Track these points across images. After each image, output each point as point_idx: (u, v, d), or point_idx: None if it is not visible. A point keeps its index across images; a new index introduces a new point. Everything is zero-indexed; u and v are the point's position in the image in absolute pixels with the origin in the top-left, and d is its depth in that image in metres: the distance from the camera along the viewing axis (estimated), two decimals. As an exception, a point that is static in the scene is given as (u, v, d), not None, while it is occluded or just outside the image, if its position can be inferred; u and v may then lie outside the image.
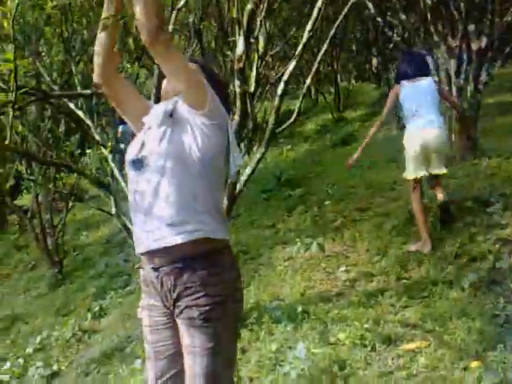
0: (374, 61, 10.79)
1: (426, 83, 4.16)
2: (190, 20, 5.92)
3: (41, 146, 5.27)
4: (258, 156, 3.88)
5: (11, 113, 2.64)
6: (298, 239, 4.86)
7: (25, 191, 8.97)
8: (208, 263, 1.66)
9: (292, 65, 3.46)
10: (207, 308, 1.63)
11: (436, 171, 4.18)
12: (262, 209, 6.51)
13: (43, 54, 4.58)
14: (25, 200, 9.49)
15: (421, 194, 4.23)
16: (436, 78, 5.19)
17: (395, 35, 6.09)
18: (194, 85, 1.68)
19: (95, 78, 1.85)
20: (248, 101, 3.54)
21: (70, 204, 6.72)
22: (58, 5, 4.04)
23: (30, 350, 4.60)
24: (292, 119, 3.98)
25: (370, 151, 7.56)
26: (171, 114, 1.77)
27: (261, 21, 3.09)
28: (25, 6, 2.60)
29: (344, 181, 6.55)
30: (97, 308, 5.05)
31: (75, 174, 4.99)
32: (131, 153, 1.79)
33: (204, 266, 1.65)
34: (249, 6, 2.98)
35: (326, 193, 6.30)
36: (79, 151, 4.82)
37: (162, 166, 1.67)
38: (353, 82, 11.91)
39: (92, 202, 7.95)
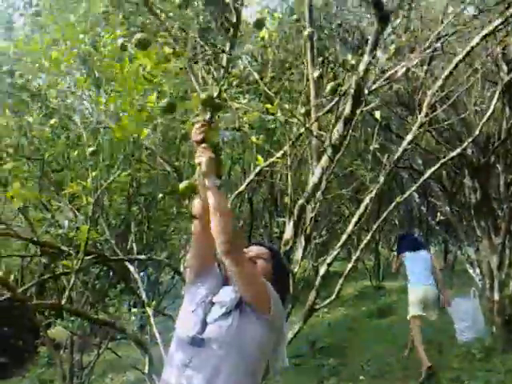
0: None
1: (423, 254, 6.06)
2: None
3: (86, 299, 5.51)
4: (296, 329, 3.92)
5: (73, 276, 2.87)
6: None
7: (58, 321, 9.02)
8: None
9: (336, 252, 3.64)
10: None
11: (429, 315, 5.90)
12: (292, 376, 6.30)
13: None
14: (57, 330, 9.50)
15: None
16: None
17: (437, 225, 6.33)
18: (258, 298, 1.85)
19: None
20: (291, 281, 3.69)
21: (102, 348, 6.71)
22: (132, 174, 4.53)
23: None
24: (332, 297, 4.07)
25: (408, 328, 7.46)
26: (238, 303, 1.88)
27: (311, 218, 3.33)
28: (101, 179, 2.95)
29: (380, 357, 6.36)
30: None
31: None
32: (189, 327, 1.88)
33: None
34: (300, 201, 3.26)
35: (360, 367, 6.10)
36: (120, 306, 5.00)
37: (223, 352, 1.78)
38: (394, 252, 12.01)
39: (123, 345, 7.91)
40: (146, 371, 4.22)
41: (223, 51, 1.92)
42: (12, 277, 3.51)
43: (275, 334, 1.88)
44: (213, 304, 1.91)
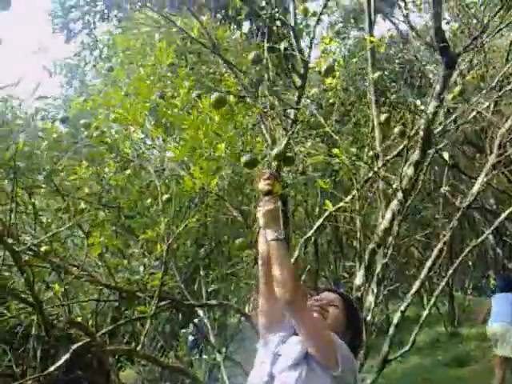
0: (492, 280, 10.41)
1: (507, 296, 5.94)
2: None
3: (157, 343, 5.61)
4: (369, 382, 3.79)
5: (148, 322, 2.95)
6: None
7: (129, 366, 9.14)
8: None
9: (408, 300, 3.53)
10: None
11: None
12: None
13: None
14: (128, 373, 9.63)
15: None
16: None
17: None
18: (323, 352, 1.77)
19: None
20: (364, 328, 3.60)
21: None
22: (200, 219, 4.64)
23: None
24: (407, 347, 3.93)
25: (489, 378, 6.97)
26: (305, 355, 1.81)
27: (383, 264, 3.27)
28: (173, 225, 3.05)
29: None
30: None
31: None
32: (258, 379, 1.85)
33: None
34: (370, 246, 3.22)
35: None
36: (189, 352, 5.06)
37: None
38: (468, 296, 11.41)
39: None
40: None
41: (292, 107, 1.98)
42: (90, 322, 3.63)
43: None
44: (280, 355, 1.88)
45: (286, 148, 2.00)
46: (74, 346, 2.70)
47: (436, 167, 5.36)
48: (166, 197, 2.98)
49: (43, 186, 2.27)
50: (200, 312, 4.68)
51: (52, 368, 2.62)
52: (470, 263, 10.58)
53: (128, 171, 2.99)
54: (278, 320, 1.98)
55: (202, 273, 5.05)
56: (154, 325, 5.05)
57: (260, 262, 2.01)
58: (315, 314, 1.95)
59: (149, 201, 3.29)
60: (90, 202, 2.91)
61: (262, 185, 1.99)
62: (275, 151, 2.07)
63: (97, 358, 9.36)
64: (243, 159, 2.12)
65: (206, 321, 4.67)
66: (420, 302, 10.23)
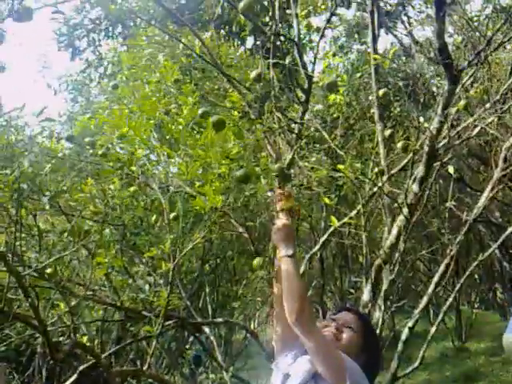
0: (499, 293, 10.32)
1: None
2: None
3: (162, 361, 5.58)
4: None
5: (154, 342, 2.93)
6: None
7: None
8: None
9: (416, 316, 3.50)
10: None
11: None
12: None
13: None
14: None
15: None
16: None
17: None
18: (332, 373, 1.72)
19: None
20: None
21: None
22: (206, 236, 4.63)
23: None
24: (416, 364, 3.89)
25: None
26: (314, 374, 1.78)
27: (390, 280, 3.24)
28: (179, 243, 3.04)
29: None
30: None
31: None
32: None
33: None
34: (377, 262, 3.20)
35: None
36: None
37: None
38: (475, 310, 11.27)
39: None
40: None
41: (296, 122, 1.99)
42: (95, 341, 3.61)
43: None
44: (289, 375, 1.85)
45: (291, 163, 2.00)
46: (81, 368, 2.68)
47: (441, 181, 5.35)
48: (172, 215, 2.97)
49: (47, 208, 2.26)
50: (206, 329, 4.64)
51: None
52: (477, 276, 10.49)
53: (133, 188, 2.99)
54: (293, 340, 1.94)
55: (207, 289, 5.03)
56: (159, 343, 5.01)
57: (277, 283, 2.01)
58: (327, 334, 1.90)
59: (154, 218, 3.28)
60: (96, 221, 2.90)
61: (275, 202, 2.00)
62: (276, 167, 2.07)
63: (103, 377, 9.31)
64: (236, 174, 2.12)
65: (211, 338, 4.63)
66: (427, 316, 10.12)
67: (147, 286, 3.05)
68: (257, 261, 2.06)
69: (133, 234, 3.91)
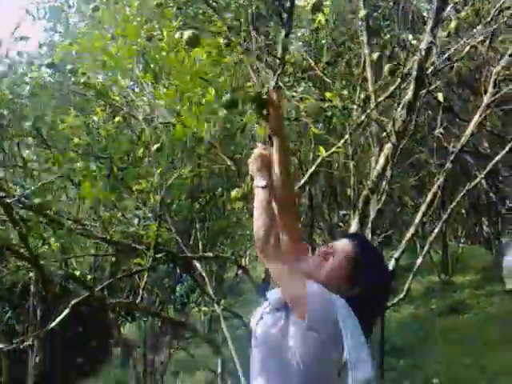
0: (485, 227, 10.51)
1: None
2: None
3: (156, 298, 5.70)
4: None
5: (146, 275, 2.96)
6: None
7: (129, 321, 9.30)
8: None
9: (402, 247, 3.55)
10: None
11: None
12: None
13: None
14: (128, 329, 9.83)
15: None
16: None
17: (507, 212, 6.03)
18: (292, 299, 1.68)
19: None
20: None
21: (174, 348, 6.88)
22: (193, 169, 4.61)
23: None
24: (402, 295, 3.98)
25: (483, 325, 7.14)
26: (286, 303, 1.73)
27: (377, 210, 3.25)
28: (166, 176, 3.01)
29: (455, 358, 6.11)
30: None
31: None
32: (253, 321, 1.86)
33: None
34: (364, 193, 3.20)
35: (434, 370, 5.88)
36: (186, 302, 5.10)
37: (265, 351, 1.72)
38: (462, 245, 11.51)
39: (193, 342, 8.06)
40: (219, 371, 4.24)
41: (275, 42, 1.93)
42: (88, 277, 3.64)
43: (322, 344, 1.62)
44: (269, 303, 1.85)
45: (275, 84, 1.94)
46: (73, 301, 2.71)
47: (429, 111, 5.30)
48: (156, 146, 2.93)
49: (30, 134, 2.21)
50: (197, 264, 4.70)
51: (53, 324, 2.64)
52: (463, 211, 10.65)
53: (117, 119, 2.93)
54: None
55: (197, 225, 5.05)
56: (152, 279, 5.09)
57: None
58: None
59: (141, 151, 3.24)
60: (80, 153, 2.86)
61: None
62: (254, 93, 1.99)
63: (98, 314, 9.55)
64: (223, 99, 2.06)
65: (203, 274, 4.70)
66: (413, 250, 10.34)
67: (136, 220, 3.05)
68: (235, 192, 2.04)
69: (120, 169, 3.88)
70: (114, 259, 5.27)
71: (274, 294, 1.84)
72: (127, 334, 9.45)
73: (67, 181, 2.71)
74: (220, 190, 5.66)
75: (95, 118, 2.86)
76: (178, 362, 8.68)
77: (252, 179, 2.01)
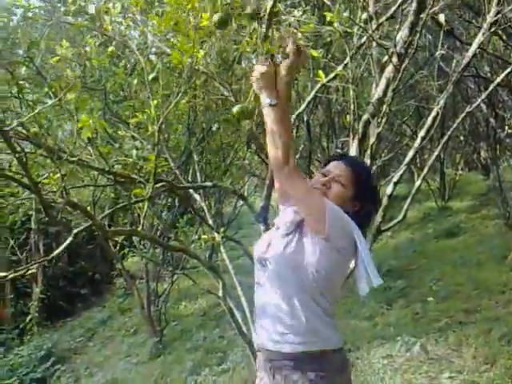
0: (483, 152, 10.51)
1: None
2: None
3: (156, 231, 5.77)
4: (363, 251, 3.94)
5: (146, 204, 2.98)
6: (398, 337, 4.74)
7: (131, 254, 9.51)
8: (318, 365, 1.73)
9: (402, 169, 3.55)
10: None
11: None
12: (360, 299, 6.41)
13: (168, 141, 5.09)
14: (131, 262, 10.09)
15: None
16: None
17: (507, 138, 6.00)
18: (312, 215, 1.76)
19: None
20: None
21: (175, 276, 7.05)
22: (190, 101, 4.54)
23: (129, 417, 4.80)
24: (400, 218, 4.01)
25: (478, 247, 7.32)
26: (298, 224, 1.83)
27: (377, 134, 3.23)
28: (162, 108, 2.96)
29: (449, 277, 6.32)
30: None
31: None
32: (258, 249, 1.93)
33: (313, 367, 1.72)
34: (365, 117, 3.16)
35: (429, 288, 6.10)
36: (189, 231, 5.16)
37: (280, 272, 1.79)
38: (459, 171, 11.56)
39: (194, 273, 8.28)
40: (220, 294, 4.39)
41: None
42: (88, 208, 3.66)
43: (338, 254, 1.76)
44: (278, 227, 1.91)
45: (272, 5, 1.84)
46: (75, 230, 2.73)
47: (430, 37, 5.16)
48: (152, 76, 2.86)
49: (23, 63, 2.14)
50: (196, 197, 4.73)
51: (57, 251, 2.67)
52: (462, 138, 10.62)
53: (110, 49, 2.84)
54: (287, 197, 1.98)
55: (195, 158, 5.04)
56: (152, 211, 5.14)
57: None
58: (315, 188, 1.88)
59: (135, 82, 3.16)
60: (74, 85, 2.78)
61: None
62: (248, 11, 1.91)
63: (99, 247, 9.73)
64: (214, 18, 1.96)
65: (202, 204, 4.74)
66: (411, 179, 10.42)
67: (134, 151, 3.02)
68: (237, 108, 1.94)
69: (115, 103, 3.82)
70: (113, 196, 5.29)
71: (283, 219, 1.91)
72: (130, 266, 9.72)
73: (61, 112, 2.65)
74: (216, 125, 5.60)
75: (88, 49, 2.76)
76: (181, 290, 8.98)
77: (256, 97, 1.95)
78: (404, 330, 5.03)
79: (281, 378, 1.74)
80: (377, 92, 3.11)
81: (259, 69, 1.81)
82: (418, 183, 3.89)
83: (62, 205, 2.09)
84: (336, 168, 1.96)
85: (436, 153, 3.75)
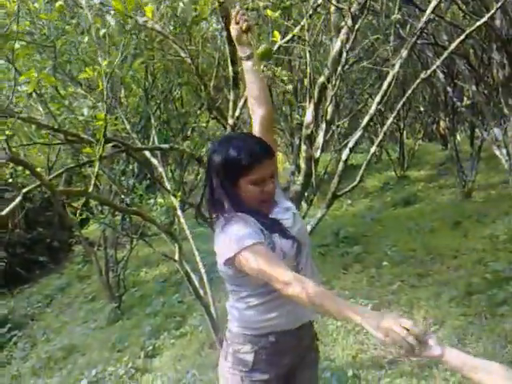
0: (442, 123, 10.71)
1: None
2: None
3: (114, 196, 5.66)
4: (319, 216, 3.97)
5: (97, 164, 2.91)
6: (353, 299, 4.86)
7: (91, 222, 9.38)
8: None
9: (358, 134, 3.58)
10: (319, 353, 2.16)
11: None
12: (318, 263, 6.50)
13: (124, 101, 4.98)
14: (90, 230, 9.97)
15: None
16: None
17: (464, 108, 6.11)
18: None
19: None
20: (313, 165, 3.68)
21: (134, 243, 7.00)
22: (145, 62, 4.43)
23: (84, 382, 4.79)
24: (355, 183, 4.05)
25: (433, 214, 7.54)
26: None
27: (331, 96, 3.23)
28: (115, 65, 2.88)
29: (404, 243, 6.50)
30: (150, 347, 5.20)
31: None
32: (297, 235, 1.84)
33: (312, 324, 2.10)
34: (321, 80, 3.16)
35: (384, 254, 6.26)
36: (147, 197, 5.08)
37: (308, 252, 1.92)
38: (419, 141, 11.78)
39: (154, 241, 8.25)
40: (177, 258, 4.40)
41: None
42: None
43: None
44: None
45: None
46: (25, 190, 2.65)
47: (390, 3, 5.14)
48: (103, 31, 2.77)
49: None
50: (154, 161, 4.66)
51: (4, 211, 2.60)
52: (422, 108, 10.79)
53: (58, 3, 2.72)
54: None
55: (153, 122, 4.94)
56: (109, 176, 5.05)
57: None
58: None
59: (86, 39, 3.05)
60: (22, 40, 2.67)
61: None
62: None
63: (58, 215, 9.55)
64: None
65: (161, 169, 4.68)
66: (369, 149, 10.56)
67: (86, 110, 2.94)
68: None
69: (69, 63, 3.69)
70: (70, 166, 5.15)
71: (286, 202, 1.99)
72: (90, 234, 9.60)
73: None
74: (177, 89, 5.50)
75: (36, 5, 2.64)
76: (141, 257, 8.95)
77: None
78: (359, 292, 5.16)
79: (307, 336, 2.03)
80: (332, 54, 3.10)
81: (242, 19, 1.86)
82: (373, 149, 3.92)
83: (5, 160, 2.01)
84: (269, 166, 1.75)
85: (391, 119, 3.78)
